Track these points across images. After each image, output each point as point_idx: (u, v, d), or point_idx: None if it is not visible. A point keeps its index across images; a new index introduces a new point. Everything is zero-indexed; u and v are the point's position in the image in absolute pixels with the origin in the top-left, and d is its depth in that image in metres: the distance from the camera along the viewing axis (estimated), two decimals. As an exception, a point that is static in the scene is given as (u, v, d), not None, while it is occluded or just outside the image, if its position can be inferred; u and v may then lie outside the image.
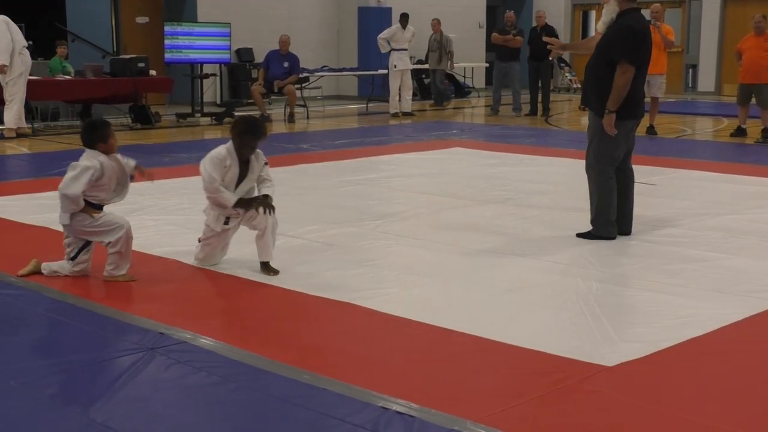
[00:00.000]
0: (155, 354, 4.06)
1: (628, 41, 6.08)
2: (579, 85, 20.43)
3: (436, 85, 18.17)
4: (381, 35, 16.26)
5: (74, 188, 5.17)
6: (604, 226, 6.31)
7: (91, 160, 5.23)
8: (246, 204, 5.47)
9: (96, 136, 5.34)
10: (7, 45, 11.80)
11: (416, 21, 16.80)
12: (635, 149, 6.67)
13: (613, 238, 6.29)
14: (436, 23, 17.35)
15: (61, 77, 13.63)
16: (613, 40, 6.16)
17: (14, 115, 12.14)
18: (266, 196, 5.53)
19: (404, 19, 16.17)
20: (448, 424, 3.34)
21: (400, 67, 16.08)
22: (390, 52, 16.09)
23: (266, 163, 5.66)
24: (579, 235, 6.37)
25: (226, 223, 5.55)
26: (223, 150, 5.42)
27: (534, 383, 3.75)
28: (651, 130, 12.94)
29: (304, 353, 4.16)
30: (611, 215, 6.30)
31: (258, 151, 5.55)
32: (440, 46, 17.32)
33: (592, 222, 6.38)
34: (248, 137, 5.40)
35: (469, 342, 4.29)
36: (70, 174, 5.23)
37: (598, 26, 6.58)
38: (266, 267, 5.47)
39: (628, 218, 6.46)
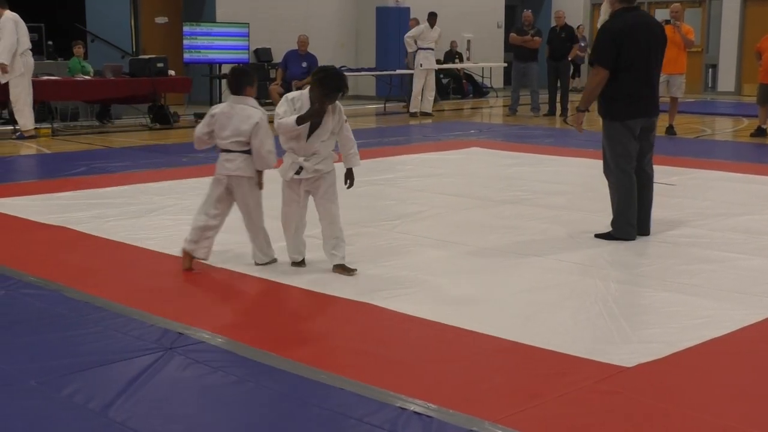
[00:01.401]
0: (174, 354, 4.07)
1: (600, 44, 6.15)
2: None
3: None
4: (408, 34, 16.25)
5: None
6: (623, 228, 6.28)
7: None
8: (311, 114, 5.19)
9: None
10: (12, 45, 11.80)
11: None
12: (654, 149, 6.63)
13: (633, 240, 6.27)
14: (414, 23, 17.30)
15: (80, 77, 13.70)
16: (593, 43, 6.33)
17: (27, 116, 12.16)
18: (350, 171, 5.53)
19: (432, 18, 16.14)
20: (466, 424, 3.34)
21: (426, 66, 16.06)
22: (416, 51, 16.08)
23: (346, 121, 5.42)
24: (598, 236, 6.35)
25: (298, 173, 5.32)
26: (296, 93, 5.30)
27: (552, 384, 3.74)
28: (670, 130, 12.88)
29: (321, 353, 4.17)
30: (631, 217, 6.27)
31: (337, 103, 5.33)
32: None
33: (612, 223, 6.35)
34: (330, 91, 5.17)
35: (487, 342, 4.28)
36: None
37: (598, 25, 6.64)
38: (342, 268, 5.44)
39: (646, 220, 6.43)
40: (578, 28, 21.57)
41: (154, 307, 4.80)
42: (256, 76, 5.63)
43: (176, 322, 4.52)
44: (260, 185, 5.55)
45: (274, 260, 5.64)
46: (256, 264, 5.61)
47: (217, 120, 5.45)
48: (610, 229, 6.36)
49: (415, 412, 3.43)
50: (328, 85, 5.19)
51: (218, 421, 3.42)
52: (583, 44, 20.42)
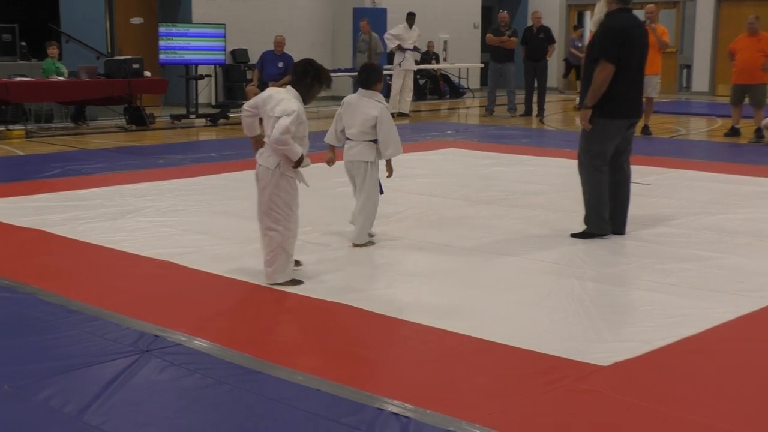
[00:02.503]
0: (150, 356, 4.05)
1: (607, 40, 6.18)
2: None
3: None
4: (389, 32, 16.26)
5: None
6: (596, 224, 6.34)
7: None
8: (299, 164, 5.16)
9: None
10: None
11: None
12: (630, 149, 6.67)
13: (606, 235, 6.31)
14: (365, 24, 17.29)
15: (55, 78, 13.60)
16: (594, 40, 6.34)
17: None
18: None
19: (411, 18, 16.17)
20: (444, 424, 3.34)
21: (405, 66, 16.07)
22: (395, 51, 16.11)
23: None
24: (573, 236, 6.38)
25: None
26: (296, 105, 5.09)
27: (529, 383, 3.76)
28: (646, 130, 12.96)
29: (298, 354, 4.16)
30: (603, 212, 6.32)
31: None
32: (369, 48, 17.25)
33: (585, 220, 6.39)
34: (321, 86, 5.21)
35: (465, 342, 4.29)
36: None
37: (590, 25, 6.68)
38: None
39: (623, 219, 6.47)
40: (576, 29, 21.63)
41: (131, 310, 4.77)
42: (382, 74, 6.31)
43: (152, 324, 4.50)
44: (390, 172, 6.17)
45: (371, 243, 6.15)
46: (354, 245, 6.09)
47: (345, 110, 6.17)
48: (584, 227, 6.40)
49: (393, 413, 3.43)
50: (324, 78, 5.23)
51: (195, 424, 3.40)
52: (579, 45, 20.49)
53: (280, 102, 5.10)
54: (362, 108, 6.05)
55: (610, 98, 6.19)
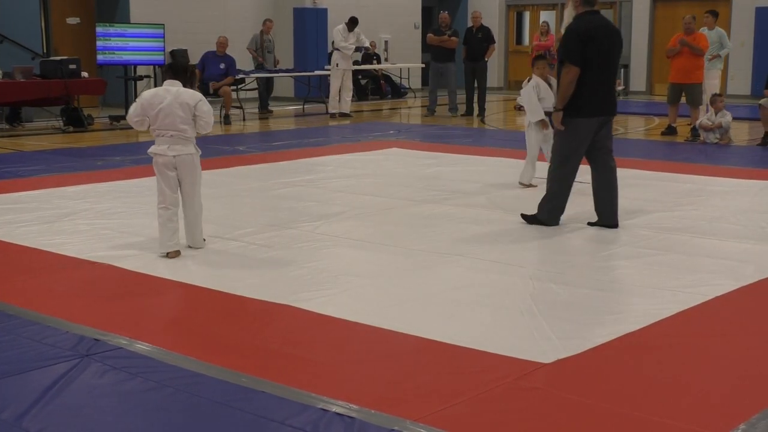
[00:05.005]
0: (90, 361, 3.99)
1: (569, 43, 6.41)
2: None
3: (265, 91, 17.24)
4: (336, 42, 16.10)
5: None
6: (549, 212, 6.65)
7: None
8: None
9: None
10: None
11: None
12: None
13: (551, 226, 6.61)
14: (269, 24, 17.24)
15: (-12, 79, 13.32)
16: (561, 43, 6.58)
17: None
18: None
19: (351, 23, 16.16)
20: (388, 424, 3.34)
21: (342, 66, 16.07)
22: (332, 52, 16.08)
23: None
24: (523, 216, 6.73)
25: None
26: (196, 92, 5.87)
27: (473, 381, 3.78)
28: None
29: (242, 356, 4.13)
30: (559, 202, 6.62)
31: None
32: (275, 48, 17.20)
33: (539, 206, 6.71)
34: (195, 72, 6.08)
35: (408, 342, 4.30)
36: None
37: (562, 29, 6.99)
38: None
39: (614, 210, 6.69)
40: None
41: (70, 314, 4.69)
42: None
43: (92, 328, 4.43)
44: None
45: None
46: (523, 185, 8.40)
47: (540, 89, 8.22)
48: (536, 211, 6.74)
49: (337, 413, 3.43)
50: (192, 65, 6.18)
51: (137, 428, 3.36)
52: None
53: (180, 94, 5.71)
54: (548, 88, 8.23)
55: (578, 98, 6.42)
